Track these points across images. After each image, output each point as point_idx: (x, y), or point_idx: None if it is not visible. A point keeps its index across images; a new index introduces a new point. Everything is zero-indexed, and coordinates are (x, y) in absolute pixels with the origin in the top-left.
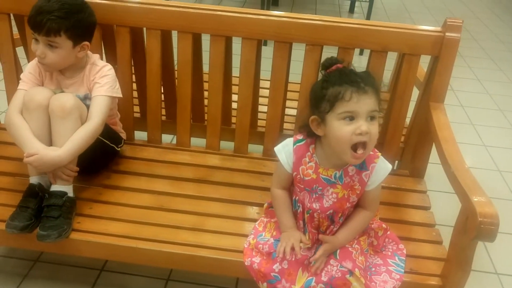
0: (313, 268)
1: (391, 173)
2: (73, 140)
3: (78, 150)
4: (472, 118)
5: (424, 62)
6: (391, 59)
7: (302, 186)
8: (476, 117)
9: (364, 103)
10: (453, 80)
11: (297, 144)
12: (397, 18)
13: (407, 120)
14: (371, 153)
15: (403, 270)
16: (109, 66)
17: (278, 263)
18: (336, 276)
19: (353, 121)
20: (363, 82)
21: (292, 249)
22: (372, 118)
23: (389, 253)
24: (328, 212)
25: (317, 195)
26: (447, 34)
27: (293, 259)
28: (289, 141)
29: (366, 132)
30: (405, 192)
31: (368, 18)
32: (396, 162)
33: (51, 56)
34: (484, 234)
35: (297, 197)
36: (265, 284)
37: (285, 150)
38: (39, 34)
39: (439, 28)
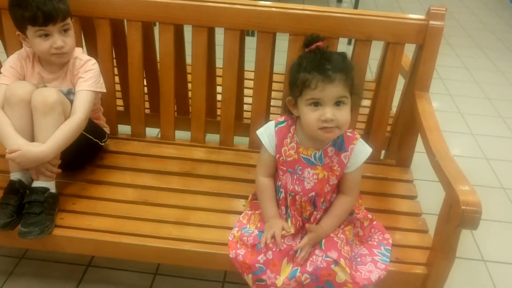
0: (298, 258)
1: (377, 162)
2: (57, 136)
3: (61, 145)
4: (460, 106)
5: (410, 51)
6: (378, 49)
7: (285, 168)
8: (464, 105)
9: (329, 91)
10: (441, 68)
11: (279, 126)
12: (385, 7)
13: (394, 110)
14: (350, 135)
15: (388, 260)
16: (93, 61)
17: (262, 254)
18: (321, 266)
19: (319, 107)
20: (332, 69)
21: (273, 237)
22: (339, 103)
23: (375, 243)
24: (310, 195)
25: (298, 176)
26: (431, 22)
27: (277, 249)
28: (270, 124)
29: (330, 119)
30: (391, 181)
31: (356, 7)
32: (383, 151)
33: (68, 41)
34: (467, 222)
35: (279, 182)
36: (250, 275)
37: (267, 132)
38: (55, 24)
39: (422, 17)
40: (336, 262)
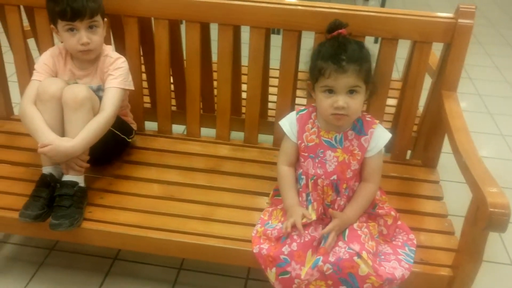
0: (326, 244)
1: (403, 162)
2: (86, 131)
3: (90, 141)
4: (490, 107)
5: (437, 49)
6: (405, 47)
7: (306, 154)
8: (493, 105)
9: (342, 81)
10: (471, 68)
11: (300, 113)
12: (413, 5)
13: (420, 109)
14: (369, 119)
15: (412, 260)
16: (123, 59)
17: (287, 245)
18: (344, 257)
19: (332, 95)
20: (346, 60)
21: (294, 225)
22: (352, 92)
23: (399, 243)
24: (331, 178)
25: (319, 159)
26: (459, 20)
27: (301, 241)
28: (292, 113)
29: (342, 107)
30: (417, 182)
31: (383, 5)
32: (409, 152)
33: (95, 38)
34: (494, 224)
35: (301, 170)
36: (274, 269)
37: (289, 121)
38: (82, 20)
39: (451, 15)
40: (359, 255)
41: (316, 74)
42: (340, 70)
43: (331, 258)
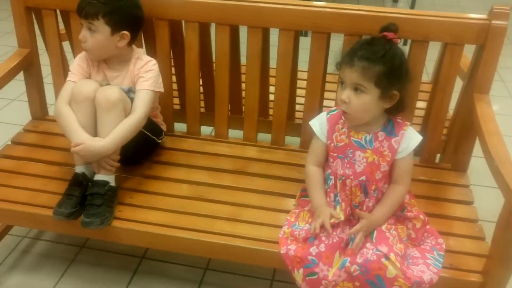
0: (353, 245)
1: (432, 166)
2: (117, 132)
3: (121, 141)
4: None
5: (468, 51)
6: (435, 49)
7: (336, 154)
8: None
9: (347, 75)
10: (504, 70)
11: (330, 113)
12: (444, 6)
13: (450, 112)
14: (400, 121)
15: (441, 265)
16: (154, 61)
17: (315, 246)
18: (372, 259)
19: (343, 88)
20: (359, 56)
21: (323, 226)
22: (356, 89)
23: (428, 247)
24: (360, 179)
25: (349, 160)
26: (493, 22)
27: (330, 242)
28: (323, 113)
29: (343, 101)
30: (447, 186)
31: (412, 7)
32: (438, 155)
33: (90, 40)
34: None
35: (329, 170)
36: (301, 270)
37: (319, 121)
38: (80, 17)
39: (484, 16)
40: (387, 257)
41: (339, 64)
42: (349, 64)
43: (359, 260)
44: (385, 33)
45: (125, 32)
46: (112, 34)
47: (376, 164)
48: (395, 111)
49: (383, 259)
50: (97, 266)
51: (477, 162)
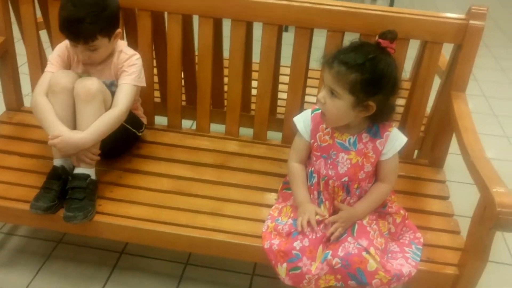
0: (328, 232)
1: (410, 162)
2: (97, 124)
3: (101, 134)
4: (496, 109)
5: (446, 50)
6: (412, 48)
7: (319, 154)
8: (499, 108)
9: (326, 77)
10: (477, 70)
11: (315, 112)
12: (421, 5)
13: (428, 109)
14: (385, 123)
15: (419, 259)
16: (138, 55)
17: (299, 241)
18: (353, 252)
19: (323, 87)
20: (339, 60)
21: (309, 222)
22: (332, 93)
23: (406, 241)
24: (343, 179)
25: (332, 161)
26: (471, 22)
27: (313, 237)
28: (307, 111)
29: (318, 100)
30: (424, 181)
31: (391, 5)
32: (416, 151)
33: (94, 56)
34: (502, 224)
35: (312, 168)
36: (284, 264)
37: (303, 118)
38: (78, 43)
39: (462, 16)
40: (367, 250)
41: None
42: (329, 65)
43: (340, 253)
44: (380, 40)
45: (118, 30)
46: (110, 41)
47: (359, 165)
48: (376, 120)
49: (363, 253)
50: (75, 262)
51: (452, 159)
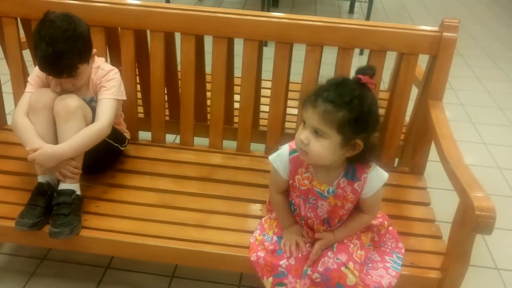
0: (308, 261)
1: (391, 170)
2: (77, 137)
3: (81, 146)
4: (472, 116)
5: (423, 62)
6: (391, 59)
7: (298, 194)
8: (476, 115)
9: (310, 117)
10: (453, 79)
11: (293, 154)
12: (396, 18)
13: (407, 119)
14: (364, 164)
15: (399, 268)
16: (115, 70)
17: (285, 259)
18: (332, 267)
19: (304, 127)
20: (324, 99)
21: (297, 245)
22: (316, 133)
23: (388, 250)
24: (322, 218)
25: (311, 205)
26: (444, 34)
27: (300, 255)
28: (284, 151)
29: (301, 141)
30: (405, 188)
31: (367, 18)
32: (396, 159)
33: (78, 82)
34: (481, 227)
35: (293, 201)
36: (270, 279)
37: (280, 159)
38: (61, 78)
39: (436, 28)
40: (346, 266)
41: (304, 102)
42: (313, 105)
43: (320, 268)
44: (360, 76)
45: (94, 50)
46: (89, 64)
47: (339, 206)
48: (357, 161)
49: (342, 268)
50: (60, 278)
51: (432, 166)
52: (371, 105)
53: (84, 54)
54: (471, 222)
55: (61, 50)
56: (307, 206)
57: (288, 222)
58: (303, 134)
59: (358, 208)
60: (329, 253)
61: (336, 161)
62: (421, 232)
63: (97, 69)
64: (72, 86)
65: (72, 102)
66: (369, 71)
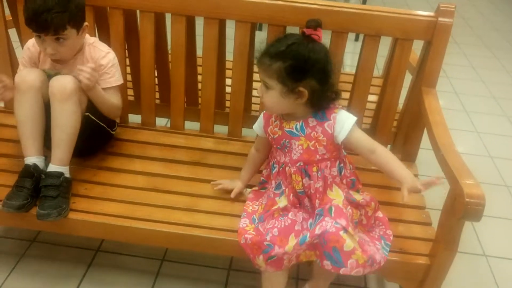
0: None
1: None
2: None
3: (101, 98)
4: (466, 105)
5: (417, 48)
6: (385, 45)
7: (275, 146)
8: (469, 104)
9: (259, 72)
10: (448, 67)
11: (265, 110)
12: (393, 3)
13: (400, 106)
14: (331, 106)
15: (387, 254)
16: (113, 54)
17: (268, 232)
18: (330, 230)
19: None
20: (264, 53)
21: (226, 190)
22: (266, 86)
23: (376, 236)
24: (297, 164)
25: (287, 150)
26: (439, 19)
27: (282, 226)
28: (262, 113)
29: (259, 94)
30: None
31: (364, 2)
32: (389, 146)
33: (62, 50)
34: (470, 214)
35: (275, 160)
36: (261, 256)
37: (258, 121)
38: (47, 34)
39: (431, 13)
40: (345, 229)
41: None
42: (258, 61)
43: (318, 231)
44: (304, 29)
45: (86, 23)
46: (78, 34)
47: (312, 149)
48: (317, 107)
49: (341, 232)
50: (49, 261)
51: (424, 154)
52: (309, 52)
53: (75, 17)
54: (461, 209)
55: (52, 4)
56: (285, 151)
57: (244, 175)
58: (258, 89)
59: (369, 154)
60: (327, 218)
61: (294, 109)
62: (411, 219)
63: (90, 46)
64: (56, 52)
65: (69, 84)
66: (312, 23)
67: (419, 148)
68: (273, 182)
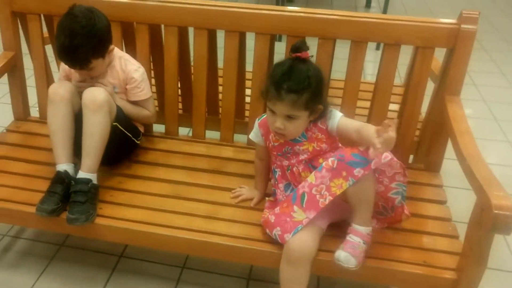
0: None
1: (406, 167)
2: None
3: (129, 108)
4: (496, 113)
5: (439, 55)
6: (408, 54)
7: (275, 153)
8: (500, 112)
9: (280, 107)
10: (475, 74)
11: (261, 119)
12: (415, 11)
13: (423, 114)
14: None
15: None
16: (143, 68)
17: (272, 215)
18: (342, 151)
19: (274, 115)
20: (286, 89)
21: (245, 200)
22: (289, 117)
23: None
24: (304, 162)
25: (290, 154)
26: (462, 26)
27: (279, 209)
28: (255, 123)
29: (279, 128)
30: (420, 186)
31: (384, 12)
32: (411, 156)
33: (92, 73)
34: (499, 226)
35: (275, 165)
36: (278, 228)
37: (254, 131)
38: (75, 68)
39: (454, 20)
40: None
41: (264, 94)
42: (279, 97)
43: (333, 158)
44: (298, 54)
45: (112, 46)
46: (104, 58)
47: (317, 149)
48: (317, 119)
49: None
50: (76, 264)
51: (450, 165)
52: (318, 74)
53: (98, 50)
54: (489, 221)
55: (77, 44)
56: (288, 156)
57: (258, 185)
58: (278, 122)
59: (357, 138)
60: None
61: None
62: (436, 231)
63: (122, 60)
64: (88, 77)
65: (100, 95)
66: (303, 47)
67: (443, 158)
68: (279, 185)
